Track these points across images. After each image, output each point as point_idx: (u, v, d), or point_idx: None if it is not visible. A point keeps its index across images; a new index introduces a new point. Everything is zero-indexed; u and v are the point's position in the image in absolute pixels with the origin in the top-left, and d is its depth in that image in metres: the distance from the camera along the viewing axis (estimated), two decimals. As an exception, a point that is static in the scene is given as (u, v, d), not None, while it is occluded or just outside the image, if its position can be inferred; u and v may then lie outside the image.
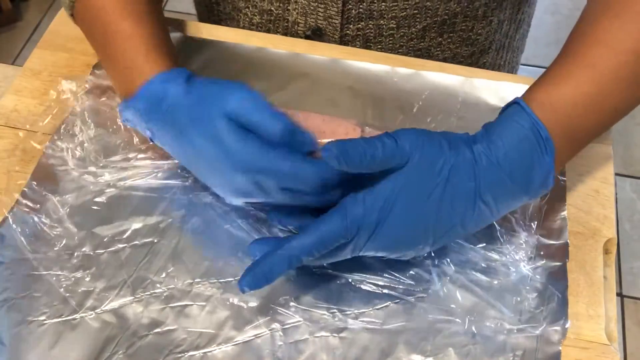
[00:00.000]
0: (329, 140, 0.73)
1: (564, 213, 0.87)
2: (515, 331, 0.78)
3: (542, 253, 0.84)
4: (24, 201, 0.86)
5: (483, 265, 0.83)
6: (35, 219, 0.85)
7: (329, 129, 0.88)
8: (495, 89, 0.98)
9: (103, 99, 0.95)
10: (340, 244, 0.75)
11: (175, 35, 1.02)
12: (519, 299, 0.81)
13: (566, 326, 0.78)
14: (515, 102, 0.80)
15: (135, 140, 0.92)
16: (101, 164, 0.91)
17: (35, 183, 0.88)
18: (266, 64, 1.01)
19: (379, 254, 0.78)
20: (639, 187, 2.61)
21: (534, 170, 0.77)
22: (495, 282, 0.82)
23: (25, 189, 0.87)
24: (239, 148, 0.77)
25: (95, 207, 0.87)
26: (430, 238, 0.76)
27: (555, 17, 3.05)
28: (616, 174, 1.60)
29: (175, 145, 0.83)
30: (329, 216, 0.74)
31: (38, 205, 0.87)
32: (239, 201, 0.82)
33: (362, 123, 0.91)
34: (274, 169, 0.76)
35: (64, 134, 0.92)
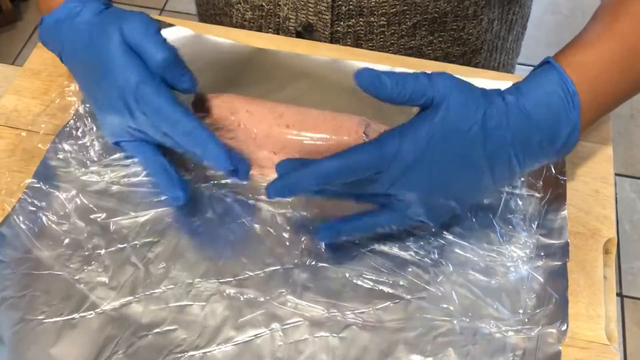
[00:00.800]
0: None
1: (564, 213, 0.87)
2: (513, 332, 0.78)
3: (542, 253, 0.84)
4: (29, 199, 0.87)
5: (482, 265, 0.83)
6: (41, 215, 0.86)
7: (330, 125, 0.88)
8: (498, 87, 0.98)
9: None
10: (372, 173, 0.75)
11: (175, 35, 1.02)
12: (518, 299, 0.81)
13: (563, 328, 0.78)
14: (546, 62, 0.82)
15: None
16: (104, 163, 0.91)
17: (36, 181, 0.88)
18: (266, 64, 1.01)
19: (413, 208, 0.79)
20: (639, 187, 2.61)
21: (561, 124, 0.78)
22: (494, 282, 0.82)
23: (27, 188, 0.87)
24: (120, 64, 0.83)
25: (100, 203, 0.88)
26: (463, 184, 0.79)
27: (555, 17, 3.05)
28: (616, 174, 1.61)
29: (77, 60, 0.88)
30: (364, 144, 0.76)
31: (43, 203, 0.87)
32: (115, 135, 0.89)
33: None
34: (141, 96, 0.82)
35: (67, 134, 0.93)
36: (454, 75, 0.78)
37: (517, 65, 1.34)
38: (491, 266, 0.83)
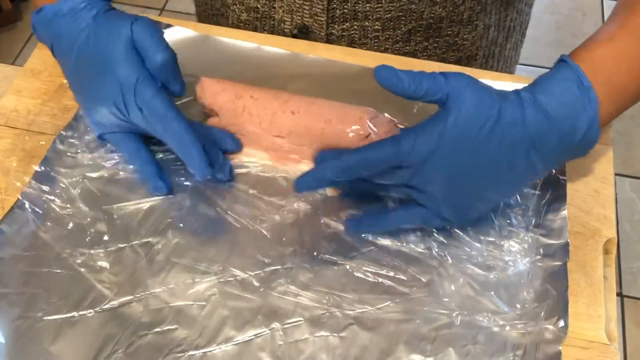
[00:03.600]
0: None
1: (564, 212, 0.87)
2: (510, 326, 0.79)
3: (542, 253, 0.84)
4: (35, 184, 0.88)
5: (481, 259, 0.83)
6: (46, 199, 0.87)
7: (336, 113, 0.88)
8: (498, 87, 0.98)
9: None
10: (391, 167, 0.78)
11: (175, 35, 1.02)
12: (516, 293, 0.81)
13: (561, 325, 0.79)
14: (561, 60, 0.82)
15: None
16: (109, 150, 0.92)
17: (43, 168, 0.90)
18: (267, 64, 1.02)
19: (438, 205, 0.81)
20: (639, 187, 2.61)
21: (578, 118, 0.78)
22: (493, 276, 0.82)
23: (34, 174, 0.89)
24: (125, 60, 0.85)
25: (105, 188, 0.89)
26: (483, 180, 0.79)
27: (555, 17, 3.05)
28: (616, 174, 1.61)
29: (73, 53, 0.88)
30: (384, 140, 0.79)
31: (48, 188, 0.88)
32: (102, 127, 0.90)
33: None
34: (139, 92, 0.84)
35: (72, 128, 0.94)
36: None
37: (517, 66, 1.34)
38: (490, 261, 0.83)
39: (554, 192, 0.88)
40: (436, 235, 0.85)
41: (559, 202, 0.88)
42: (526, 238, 0.85)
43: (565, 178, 0.90)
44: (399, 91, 0.78)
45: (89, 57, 0.87)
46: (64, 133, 0.93)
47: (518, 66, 1.34)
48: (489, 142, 0.77)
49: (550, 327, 0.79)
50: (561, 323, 0.79)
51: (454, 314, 0.80)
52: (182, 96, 0.90)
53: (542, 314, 0.80)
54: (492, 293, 0.81)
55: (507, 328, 0.79)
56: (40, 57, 1.02)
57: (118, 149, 0.92)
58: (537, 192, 0.89)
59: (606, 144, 0.94)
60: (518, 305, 0.80)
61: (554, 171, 0.90)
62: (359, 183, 0.83)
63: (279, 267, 0.83)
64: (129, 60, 0.85)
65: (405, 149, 0.76)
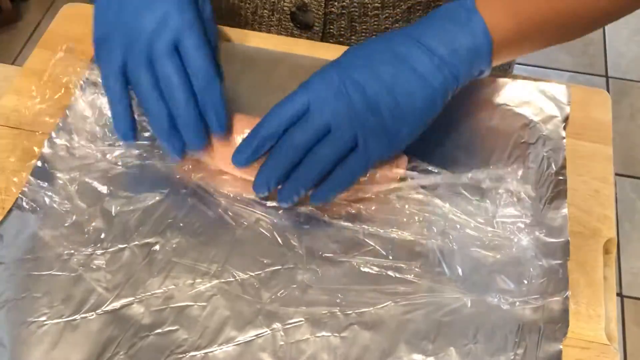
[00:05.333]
0: None
1: (564, 211, 0.87)
2: (520, 302, 0.80)
3: (542, 251, 0.84)
4: (34, 180, 0.88)
5: (485, 241, 0.84)
6: (45, 196, 0.87)
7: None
8: (498, 87, 0.98)
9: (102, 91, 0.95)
10: (300, 112, 0.82)
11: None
12: (522, 270, 0.82)
13: (566, 295, 0.80)
14: None
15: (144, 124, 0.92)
16: (108, 143, 0.92)
17: (40, 164, 0.90)
18: (266, 64, 1.02)
19: (364, 142, 0.82)
20: (639, 187, 2.61)
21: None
22: (499, 256, 0.84)
23: (32, 171, 0.89)
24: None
25: (103, 184, 0.89)
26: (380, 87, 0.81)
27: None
28: (616, 174, 1.61)
29: None
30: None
31: (46, 184, 0.88)
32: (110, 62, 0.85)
33: None
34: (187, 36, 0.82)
35: (68, 123, 0.94)
36: None
37: (517, 65, 1.34)
38: (493, 241, 0.84)
39: (554, 191, 0.88)
40: (438, 220, 0.86)
41: (559, 200, 0.88)
42: (528, 240, 0.85)
43: (565, 177, 0.90)
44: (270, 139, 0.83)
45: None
46: (61, 124, 0.93)
47: (517, 66, 1.34)
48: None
49: (557, 298, 0.80)
50: (566, 293, 0.80)
51: (465, 298, 0.80)
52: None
53: (549, 287, 0.81)
54: (500, 272, 0.82)
55: (517, 305, 0.80)
56: (40, 57, 1.02)
57: (105, 85, 0.86)
58: (537, 188, 0.89)
59: (606, 144, 0.94)
60: (525, 281, 0.81)
61: (554, 169, 0.90)
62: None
63: (280, 267, 0.83)
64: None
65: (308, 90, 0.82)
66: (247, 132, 0.85)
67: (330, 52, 1.02)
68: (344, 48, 1.03)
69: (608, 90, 2.33)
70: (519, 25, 0.84)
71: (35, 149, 0.92)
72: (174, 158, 0.85)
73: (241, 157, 0.83)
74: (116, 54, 0.83)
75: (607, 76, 2.81)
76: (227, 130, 0.85)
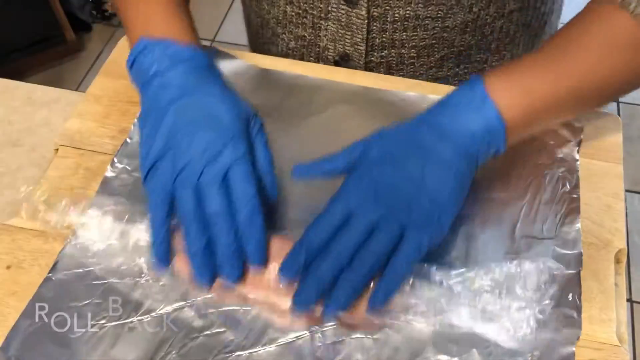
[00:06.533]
0: None
1: (578, 225, 0.86)
2: (538, 305, 0.80)
3: (558, 262, 0.83)
4: (93, 212, 0.87)
5: (503, 273, 0.83)
6: (106, 220, 0.87)
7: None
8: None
9: None
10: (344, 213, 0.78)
11: (226, 64, 1.02)
12: (539, 280, 0.82)
13: (578, 303, 0.80)
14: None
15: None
16: None
17: (101, 190, 0.90)
18: (308, 91, 1.02)
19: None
20: (648, 202, 2.61)
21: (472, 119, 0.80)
22: (516, 268, 0.83)
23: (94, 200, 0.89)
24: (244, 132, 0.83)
25: None
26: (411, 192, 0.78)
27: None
28: (626, 191, 1.60)
29: (174, 99, 0.84)
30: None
31: (109, 207, 0.88)
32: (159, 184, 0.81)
33: None
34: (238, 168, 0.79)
35: (125, 151, 0.94)
36: None
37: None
38: (511, 273, 0.83)
39: (569, 207, 0.88)
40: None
41: (573, 215, 0.87)
42: (545, 252, 0.84)
43: (579, 194, 0.89)
44: (321, 176, 0.83)
45: (192, 107, 0.83)
46: (116, 168, 0.92)
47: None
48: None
49: (571, 304, 0.80)
50: (580, 300, 0.80)
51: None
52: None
53: (562, 295, 0.80)
54: (518, 281, 0.81)
55: (536, 308, 0.79)
56: (102, 84, 1.03)
57: (150, 207, 0.81)
58: (553, 205, 0.88)
59: (617, 162, 0.93)
60: (542, 286, 0.81)
61: (568, 187, 0.90)
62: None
63: None
64: (243, 131, 0.83)
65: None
66: (277, 258, 0.80)
67: (367, 79, 1.02)
68: (380, 75, 1.04)
69: (619, 114, 2.32)
70: (532, 103, 0.82)
71: (98, 166, 0.92)
72: (202, 283, 0.80)
73: (289, 272, 0.77)
74: (166, 182, 0.80)
75: (618, 101, 2.81)
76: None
